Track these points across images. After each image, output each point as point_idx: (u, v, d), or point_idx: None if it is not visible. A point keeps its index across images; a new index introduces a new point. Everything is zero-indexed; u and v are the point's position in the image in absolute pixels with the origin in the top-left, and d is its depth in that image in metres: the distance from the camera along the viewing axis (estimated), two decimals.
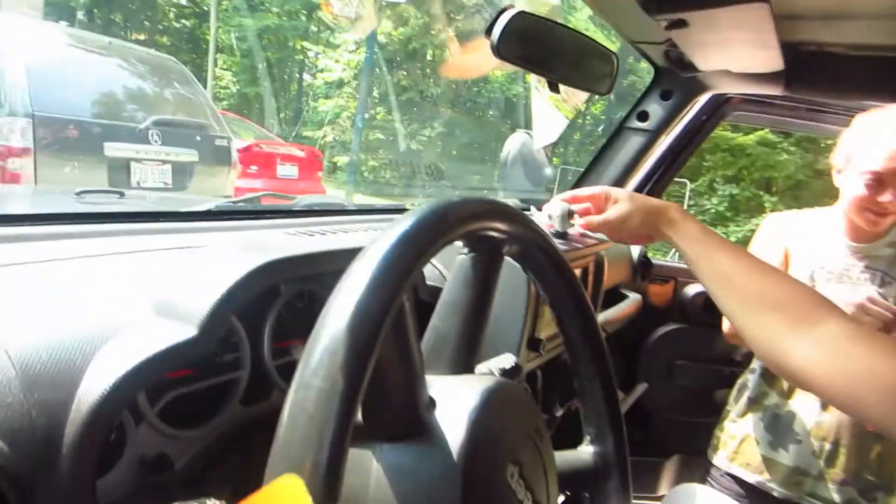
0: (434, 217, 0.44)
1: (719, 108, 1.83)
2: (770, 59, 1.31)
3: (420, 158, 13.74)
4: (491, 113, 14.07)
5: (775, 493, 1.49)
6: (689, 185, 10.86)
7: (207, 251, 0.58)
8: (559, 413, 1.16)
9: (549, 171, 1.92)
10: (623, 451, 0.70)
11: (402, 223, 0.43)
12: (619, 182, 1.78)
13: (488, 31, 0.90)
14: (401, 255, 0.40)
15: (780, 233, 1.58)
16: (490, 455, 0.49)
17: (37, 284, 0.49)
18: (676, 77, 1.59)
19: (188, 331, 0.45)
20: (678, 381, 2.00)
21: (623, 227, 0.95)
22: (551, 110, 2.20)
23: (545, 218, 1.01)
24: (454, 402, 0.50)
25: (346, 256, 0.63)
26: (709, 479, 1.64)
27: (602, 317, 1.39)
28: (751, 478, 1.54)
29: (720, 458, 1.61)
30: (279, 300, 0.64)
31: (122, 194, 1.50)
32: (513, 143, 1.84)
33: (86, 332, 0.43)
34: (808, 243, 1.53)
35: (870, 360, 0.67)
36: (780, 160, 10.90)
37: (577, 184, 1.85)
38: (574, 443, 0.69)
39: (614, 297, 1.65)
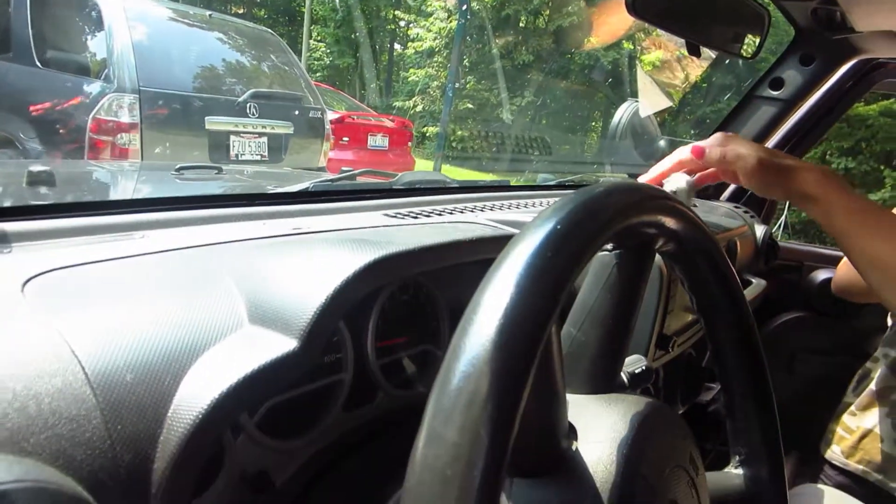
0: (586, 212, 0.35)
1: (867, 74, 1.60)
2: None
3: (511, 129, 13.49)
4: (586, 80, 13.56)
5: None
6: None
7: (306, 244, 0.51)
8: (680, 412, 1.05)
9: (662, 142, 1.76)
10: (780, 477, 0.59)
11: (547, 223, 0.33)
12: None
13: None
14: (552, 266, 0.31)
15: None
16: (643, 495, 0.40)
17: (117, 286, 0.44)
18: (822, 39, 1.38)
19: (289, 343, 0.38)
20: (798, 373, 1.83)
21: (753, 185, 0.80)
22: (654, 80, 2.02)
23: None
24: (599, 430, 0.42)
25: (462, 250, 0.55)
26: (822, 476, 1.50)
27: None
28: (870, 476, 1.39)
29: (835, 454, 1.47)
30: (383, 295, 0.57)
31: (219, 170, 1.49)
32: (622, 113, 1.70)
33: (174, 345, 0.37)
34: None
35: None
36: None
37: None
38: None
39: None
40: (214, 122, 4.29)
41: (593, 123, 14.12)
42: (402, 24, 16.67)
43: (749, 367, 0.57)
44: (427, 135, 13.97)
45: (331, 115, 6.16)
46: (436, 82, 14.37)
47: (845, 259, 1.48)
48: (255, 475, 0.47)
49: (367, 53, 15.25)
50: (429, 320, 0.66)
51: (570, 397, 0.43)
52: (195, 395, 0.35)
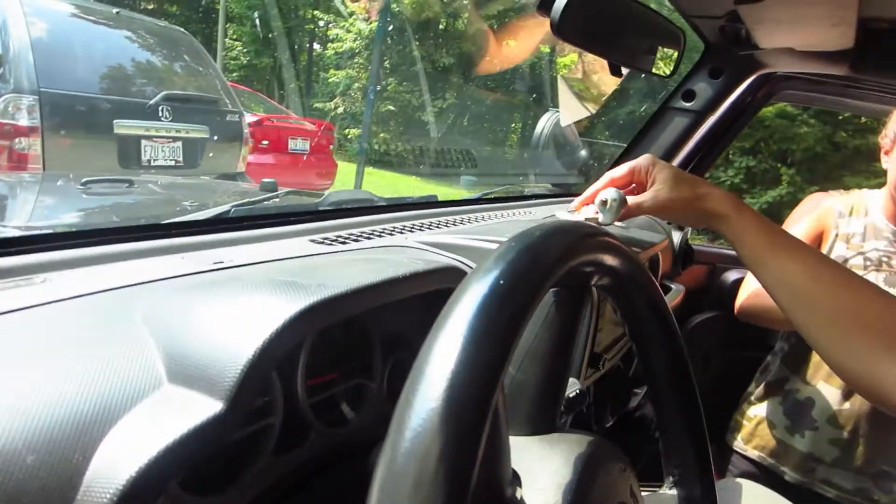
0: (529, 260, 0.34)
1: (769, 87, 1.70)
2: (841, 37, 1.19)
3: (432, 132, 13.53)
4: (506, 84, 13.78)
5: (787, 478, 1.46)
6: None
7: (229, 283, 0.47)
8: (609, 424, 1.07)
9: (582, 152, 1.80)
10: (712, 497, 0.60)
11: (489, 275, 0.32)
12: None
13: (543, 7, 0.79)
14: (498, 323, 0.30)
15: (819, 213, 1.51)
16: None
17: (11, 345, 0.39)
18: (729, 54, 1.46)
19: (214, 405, 0.35)
20: (712, 370, 1.92)
21: (667, 213, 0.83)
22: (576, 85, 2.06)
23: (589, 211, 0.89)
24: (542, 475, 0.41)
25: (397, 287, 0.53)
26: (729, 466, 1.60)
27: None
28: (766, 461, 1.50)
29: (737, 441, 1.58)
30: (312, 334, 0.55)
31: (130, 183, 1.41)
32: (544, 123, 1.73)
33: (82, 415, 0.33)
34: (848, 227, 1.45)
35: None
36: (798, 132, 10.68)
37: (615, 164, 1.73)
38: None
39: None
40: (124, 126, 4.07)
41: (514, 126, 14.38)
42: (321, 23, 16.40)
43: (682, 394, 0.58)
44: (349, 137, 13.81)
45: (249, 118, 5.98)
46: (357, 84, 14.22)
47: (748, 286, 1.56)
48: None
49: (285, 53, 14.92)
50: (361, 353, 0.64)
51: (512, 440, 0.42)
52: (108, 475, 0.31)
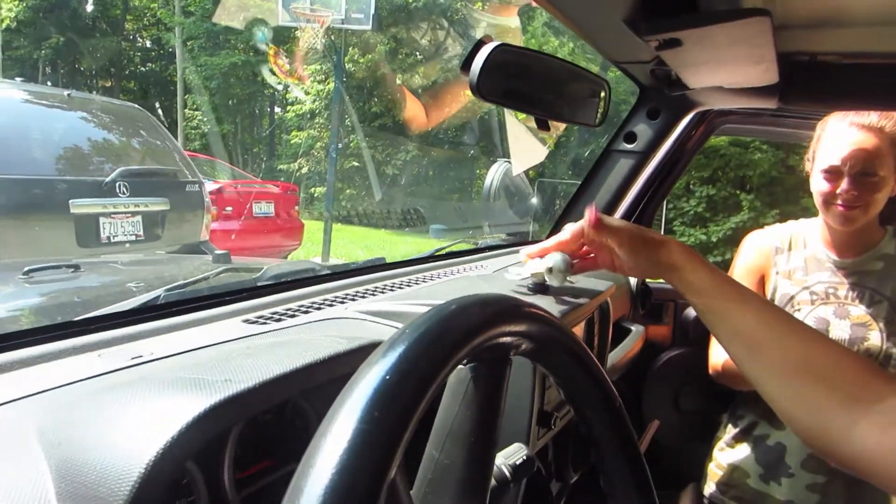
0: (428, 343, 0.33)
1: (707, 122, 1.74)
2: (765, 73, 1.23)
3: (397, 184, 13.66)
4: (463, 136, 14.05)
5: None
6: None
7: (138, 385, 0.45)
8: (573, 480, 1.04)
9: (533, 200, 1.82)
10: None
11: (387, 359, 0.31)
12: (611, 207, 1.68)
13: (465, 67, 0.80)
14: (391, 411, 0.28)
15: (756, 254, 1.51)
16: None
17: None
18: (663, 95, 1.50)
19: None
20: (684, 409, 1.90)
21: (623, 268, 0.84)
22: (527, 133, 2.10)
23: (537, 266, 0.89)
24: None
25: (316, 371, 0.51)
26: None
27: (610, 361, 1.28)
28: None
29: (713, 490, 1.53)
30: (237, 426, 0.52)
31: (77, 268, 1.37)
32: (494, 174, 1.75)
33: None
34: (788, 263, 1.46)
35: None
36: (753, 159, 11.05)
37: (565, 212, 1.75)
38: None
39: (617, 333, 1.54)
40: (80, 206, 4.02)
41: (479, 172, 14.58)
42: (280, 87, 16.61)
43: (623, 449, 0.56)
44: (315, 195, 13.86)
45: (211, 186, 5.97)
46: (319, 143, 14.36)
47: (716, 349, 1.54)
48: None
49: (244, 120, 15.05)
50: (298, 436, 0.61)
51: None
52: None
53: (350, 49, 13.55)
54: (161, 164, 4.85)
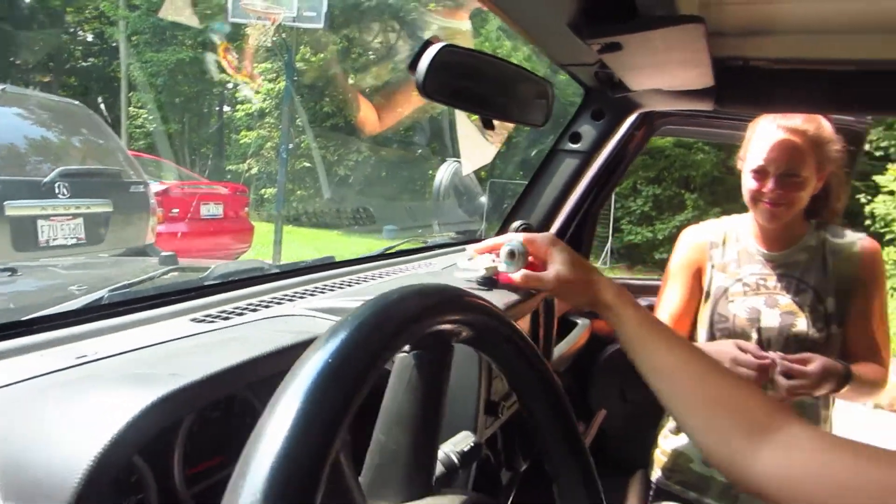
0: (369, 330, 0.35)
1: (649, 124, 1.81)
2: (701, 77, 1.29)
3: (349, 185, 13.56)
4: (416, 135, 14.05)
5: None
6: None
7: (83, 382, 0.45)
8: (523, 468, 1.07)
9: (482, 199, 1.85)
10: None
11: (329, 345, 0.33)
12: (557, 205, 1.72)
13: (412, 67, 0.82)
14: (332, 393, 0.30)
15: (692, 250, 1.58)
16: None
17: None
18: (607, 97, 1.55)
19: None
20: (630, 400, 1.96)
21: (562, 293, 0.88)
22: (477, 134, 2.13)
23: (486, 260, 0.92)
24: None
25: (266, 364, 0.52)
26: (651, 495, 1.61)
27: (556, 352, 1.32)
28: (688, 495, 1.52)
29: (659, 476, 1.60)
30: (186, 421, 0.53)
31: (13, 271, 1.33)
32: (444, 173, 1.77)
33: None
34: (723, 257, 1.53)
35: (854, 466, 0.61)
36: (696, 159, 11.40)
37: (514, 209, 1.78)
38: (539, 492, 0.60)
39: (564, 325, 1.58)
40: (16, 208, 3.86)
41: (431, 172, 14.61)
42: (229, 86, 16.26)
43: (564, 433, 0.59)
44: (266, 197, 13.62)
45: (157, 187, 5.81)
46: (269, 143, 14.11)
47: None
48: None
49: (191, 119, 14.67)
50: (247, 431, 0.62)
51: None
52: None
53: (301, 48, 13.38)
54: (103, 164, 4.70)
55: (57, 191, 4.09)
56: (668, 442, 1.60)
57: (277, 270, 0.97)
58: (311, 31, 11.85)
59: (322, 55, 13.84)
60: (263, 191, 13.78)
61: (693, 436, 0.75)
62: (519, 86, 0.94)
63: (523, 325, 1.01)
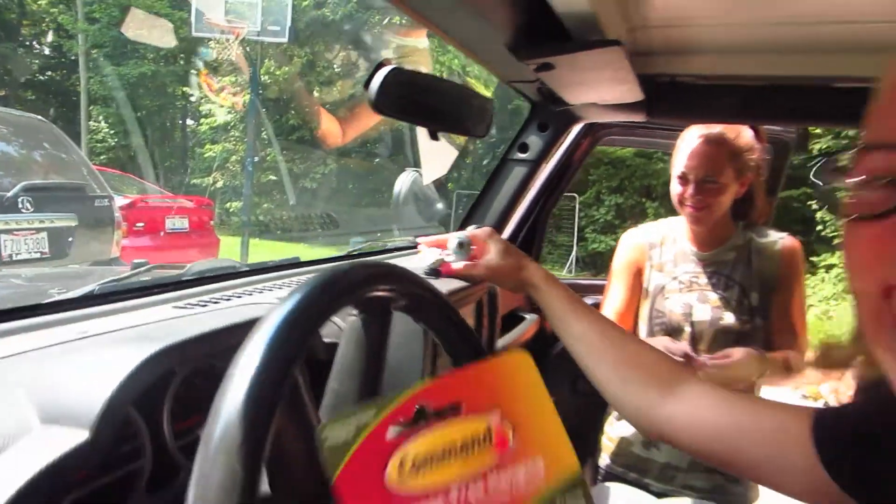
0: (319, 291, 0.47)
1: (592, 134, 1.96)
2: (630, 92, 1.43)
3: (316, 197, 13.59)
4: (380, 147, 14.17)
5: (653, 488, 1.61)
6: (578, 199, 11.47)
7: (92, 346, 0.56)
8: None
9: (439, 205, 1.97)
10: None
11: (289, 301, 0.45)
12: (508, 210, 1.86)
13: (367, 85, 0.94)
14: (289, 334, 0.42)
15: (632, 250, 1.72)
16: None
17: None
18: (550, 110, 1.69)
19: (81, 434, 0.44)
20: (580, 391, 2.09)
21: (495, 279, 1.01)
22: (437, 146, 2.26)
23: (433, 254, 1.05)
24: None
25: (238, 331, 0.64)
26: (598, 479, 1.74)
27: (501, 342, 1.44)
28: (629, 476, 1.65)
29: (605, 461, 1.72)
30: (175, 381, 0.64)
31: None
32: (403, 182, 1.88)
33: None
34: (661, 257, 1.67)
35: (753, 412, 0.74)
36: (656, 168, 11.72)
37: (469, 215, 1.91)
38: None
39: (513, 321, 1.71)
40: None
41: (391, 185, 14.68)
42: (192, 99, 16.16)
43: None
44: (231, 210, 13.56)
45: (121, 201, 5.82)
46: (234, 156, 14.09)
47: None
48: None
49: (154, 133, 14.53)
50: None
51: None
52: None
53: (266, 61, 13.42)
54: (67, 178, 4.72)
55: (20, 205, 4.10)
56: (613, 429, 1.73)
57: (248, 268, 1.08)
58: (275, 44, 11.92)
59: (287, 68, 13.90)
60: (229, 204, 13.72)
61: (608, 392, 0.87)
62: (461, 101, 1.07)
63: (468, 314, 1.14)
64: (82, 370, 0.50)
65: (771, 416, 0.73)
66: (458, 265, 1.01)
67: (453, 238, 1.03)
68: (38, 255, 4.13)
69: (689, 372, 0.85)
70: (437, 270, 1.01)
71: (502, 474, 0.37)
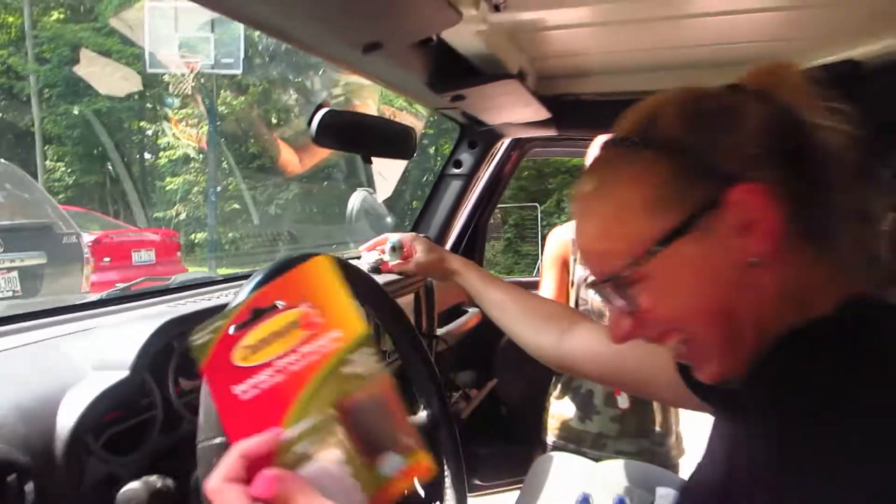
0: (274, 273, 0.71)
1: (519, 148, 2.23)
2: (537, 112, 1.70)
3: (280, 223, 13.72)
4: (336, 172, 14.43)
5: (589, 456, 1.84)
6: (539, 207, 11.84)
7: (113, 326, 0.80)
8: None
9: (388, 219, 2.22)
10: (446, 410, 0.99)
11: (251, 281, 0.69)
12: (449, 221, 2.11)
13: (309, 123, 1.19)
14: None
15: (557, 246, 1.97)
16: None
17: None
18: (476, 130, 1.96)
19: (122, 372, 0.67)
20: (531, 378, 2.33)
21: (424, 272, 1.26)
22: (389, 169, 2.51)
23: (374, 255, 1.30)
24: None
25: (217, 312, 0.88)
26: (545, 452, 1.96)
27: (442, 330, 1.69)
28: (569, 447, 1.89)
29: (549, 436, 1.96)
30: (175, 354, 0.87)
31: None
32: (354, 201, 2.12)
33: (49, 392, 0.65)
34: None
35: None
36: None
37: (414, 227, 2.17)
38: None
39: (457, 314, 1.96)
40: None
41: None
42: (149, 133, 16.14)
43: (415, 348, 0.96)
44: (196, 241, 13.60)
45: (87, 237, 5.93)
46: (196, 188, 14.15)
47: None
48: (104, 478, 0.73)
49: (115, 168, 14.49)
50: None
51: None
52: (70, 412, 0.63)
53: (222, 92, 13.58)
54: (33, 218, 4.84)
55: None
56: (555, 406, 1.95)
57: (220, 278, 1.32)
58: (230, 76, 12.10)
59: (243, 98, 14.07)
60: (193, 235, 13.76)
61: (522, 341, 1.09)
62: (387, 131, 1.32)
63: (405, 303, 1.39)
64: (114, 340, 0.74)
65: (643, 344, 0.96)
66: (394, 263, 1.27)
67: (388, 242, 1.28)
68: (10, 294, 4.26)
69: (587, 316, 1.08)
70: (377, 268, 1.27)
71: (311, 344, 0.52)
